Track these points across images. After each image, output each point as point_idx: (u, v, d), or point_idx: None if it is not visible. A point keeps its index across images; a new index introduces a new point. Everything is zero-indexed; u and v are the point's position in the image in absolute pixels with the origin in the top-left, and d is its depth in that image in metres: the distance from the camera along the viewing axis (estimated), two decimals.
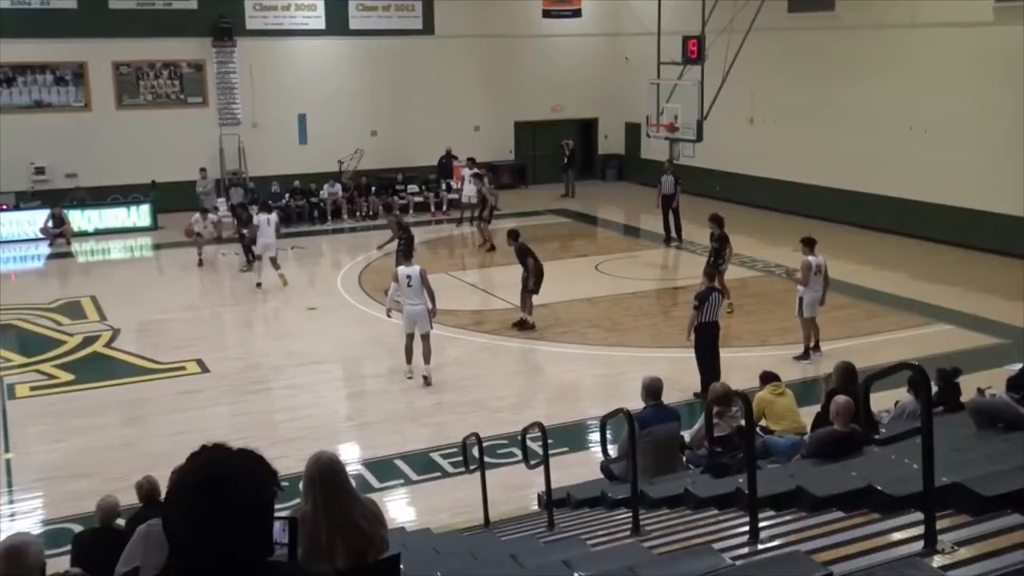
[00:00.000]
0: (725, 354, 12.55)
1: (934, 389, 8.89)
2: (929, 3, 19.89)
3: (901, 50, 20.62)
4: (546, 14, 27.63)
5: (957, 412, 8.07)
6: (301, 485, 3.96)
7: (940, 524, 3.78)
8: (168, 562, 2.00)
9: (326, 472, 3.89)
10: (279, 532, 2.77)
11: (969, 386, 9.27)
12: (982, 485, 4.22)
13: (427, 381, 12.82)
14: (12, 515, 9.50)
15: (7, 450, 10.91)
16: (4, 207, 22.61)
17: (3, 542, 4.27)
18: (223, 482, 1.94)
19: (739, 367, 12.86)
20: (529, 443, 8.56)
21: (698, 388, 11.86)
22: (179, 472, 2.02)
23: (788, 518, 5.16)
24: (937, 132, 19.98)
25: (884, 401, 9.40)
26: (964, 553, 3.59)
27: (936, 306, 15.80)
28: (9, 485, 10.09)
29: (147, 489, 6.67)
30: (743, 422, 8.72)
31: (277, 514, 2.80)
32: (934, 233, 20.30)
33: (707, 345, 12.07)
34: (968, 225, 19.52)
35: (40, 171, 23.71)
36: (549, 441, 7.77)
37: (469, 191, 23.31)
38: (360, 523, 3.81)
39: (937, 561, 3.52)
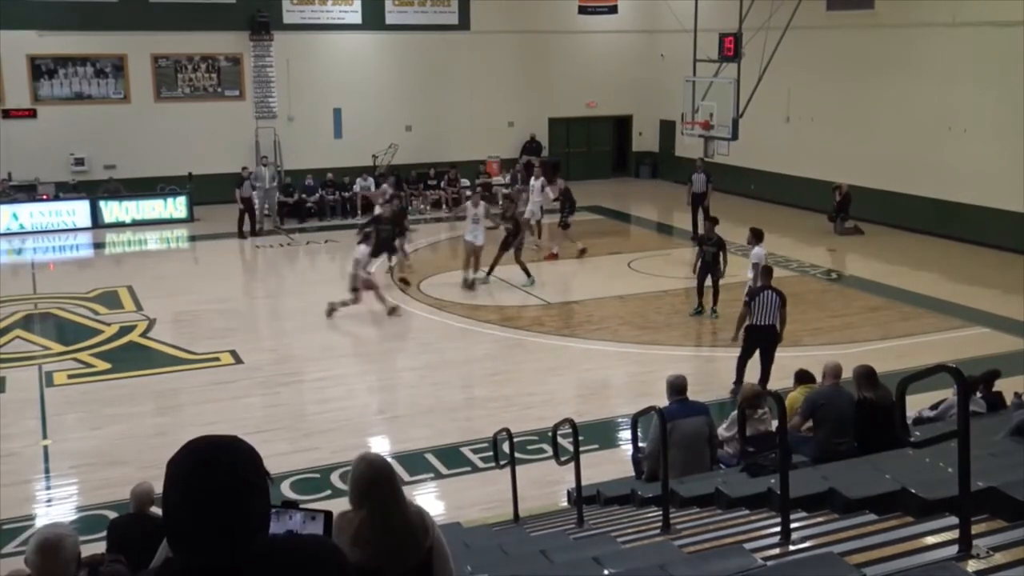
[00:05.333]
0: (757, 355, 12.41)
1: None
2: (970, 2, 19.62)
3: (941, 49, 20.38)
4: (582, 10, 27.52)
5: (996, 415, 8.00)
6: (349, 488, 3.87)
7: (975, 529, 3.75)
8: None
9: (381, 476, 3.82)
10: (307, 524, 2.79)
11: (1007, 391, 9.20)
12: (1019, 490, 4.18)
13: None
14: (49, 501, 9.66)
15: (45, 437, 11.08)
16: (44, 197, 22.93)
17: (37, 535, 4.28)
18: (203, 465, 2.02)
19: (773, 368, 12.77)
20: (560, 439, 8.56)
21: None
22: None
23: (820, 519, 5.13)
24: (976, 132, 19.73)
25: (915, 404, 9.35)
26: (999, 558, 3.55)
27: (973, 309, 15.61)
28: (47, 471, 10.26)
29: (138, 494, 6.61)
30: (769, 424, 8.71)
31: (310, 506, 2.83)
32: (971, 235, 20.05)
33: (748, 347, 11.82)
34: (1006, 227, 19.26)
35: (80, 162, 24.02)
36: (580, 438, 7.76)
37: (537, 202, 21.43)
38: (412, 529, 3.77)
39: (972, 566, 3.49)
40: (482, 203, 17.90)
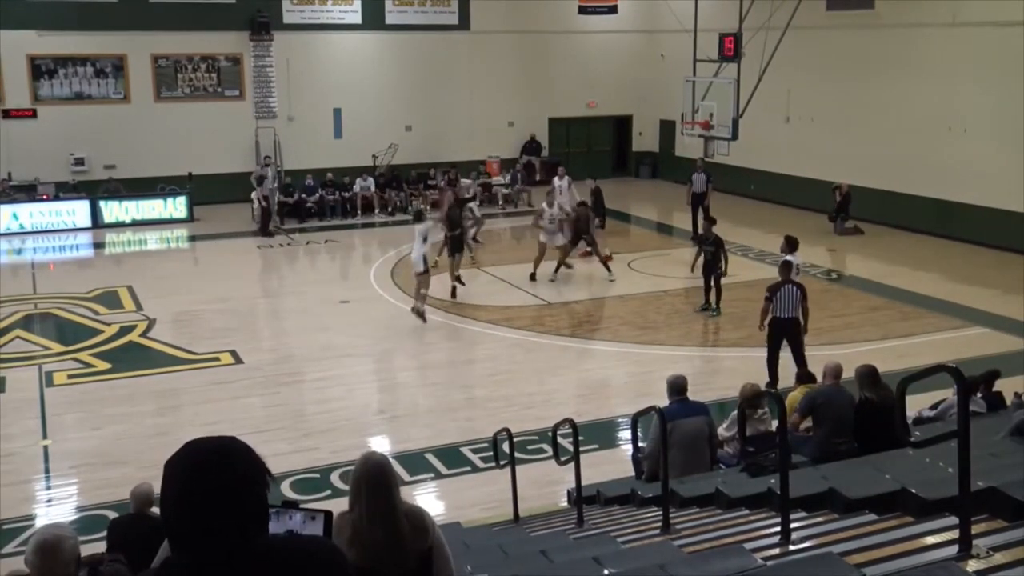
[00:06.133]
0: (758, 354, 12.43)
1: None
2: (970, 2, 19.62)
3: (941, 49, 20.38)
4: (582, 10, 27.53)
5: (996, 415, 8.00)
6: (350, 486, 3.90)
7: (975, 528, 3.75)
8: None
9: (374, 476, 3.83)
10: (307, 524, 2.79)
11: (1007, 391, 9.20)
12: (1019, 490, 4.18)
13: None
14: (49, 501, 9.66)
15: (45, 437, 11.09)
16: (44, 197, 22.92)
17: (37, 535, 4.27)
18: (198, 467, 2.04)
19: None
20: (560, 440, 8.56)
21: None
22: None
23: (820, 519, 5.13)
24: (976, 132, 19.73)
25: (915, 404, 9.35)
26: (999, 558, 3.55)
27: (973, 309, 15.61)
28: (47, 471, 10.26)
29: (137, 494, 6.60)
30: (769, 424, 8.71)
31: (310, 506, 2.83)
32: (971, 235, 20.05)
33: (773, 342, 11.96)
34: (1007, 227, 19.26)
35: (80, 162, 24.02)
36: (580, 438, 7.76)
37: (564, 201, 19.76)
38: (404, 530, 3.77)
39: (972, 566, 3.49)
40: (556, 202, 18.09)
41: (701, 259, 15.87)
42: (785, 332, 11.90)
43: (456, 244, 16.66)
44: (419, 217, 15.49)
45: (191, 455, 2.06)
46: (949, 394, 9.08)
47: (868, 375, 8.18)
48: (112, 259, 21.27)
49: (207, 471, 2.02)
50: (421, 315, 14.97)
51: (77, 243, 22.15)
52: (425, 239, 14.85)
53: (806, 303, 11.93)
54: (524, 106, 28.47)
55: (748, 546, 4.45)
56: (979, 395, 8.92)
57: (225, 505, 2.01)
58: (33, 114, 23.80)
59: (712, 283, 15.53)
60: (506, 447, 8.64)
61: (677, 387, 8.57)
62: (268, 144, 25.32)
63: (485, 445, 10.24)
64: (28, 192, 23.05)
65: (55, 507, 9.49)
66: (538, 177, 27.59)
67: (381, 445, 10.74)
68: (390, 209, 24.97)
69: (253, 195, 23.75)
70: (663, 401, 8.28)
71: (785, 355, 11.97)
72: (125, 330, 14.99)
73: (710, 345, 14.57)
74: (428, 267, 14.99)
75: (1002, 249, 19.23)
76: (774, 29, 19.11)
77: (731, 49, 19.56)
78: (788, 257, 12.80)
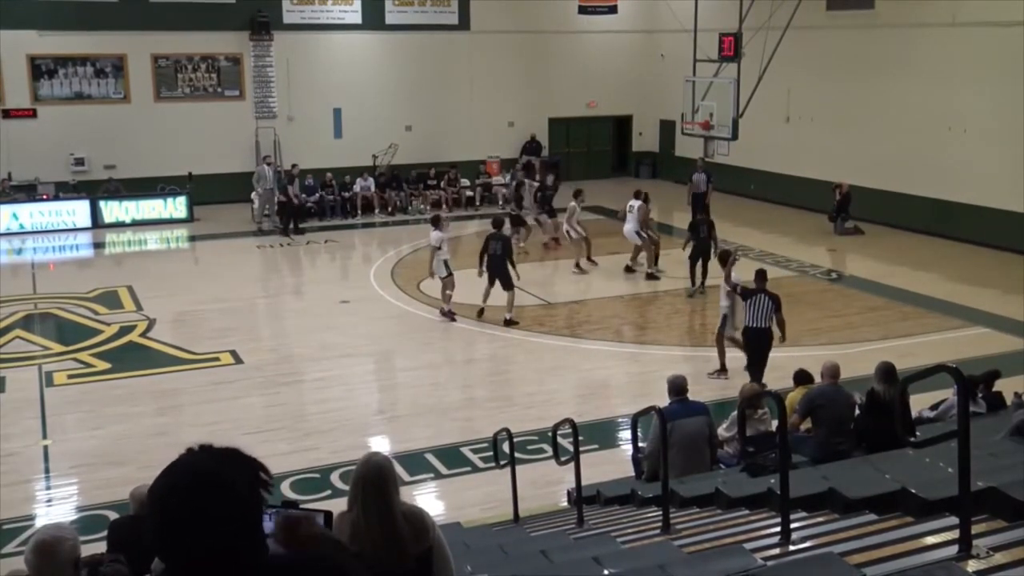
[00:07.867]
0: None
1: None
2: (970, 2, 19.62)
3: (941, 49, 20.37)
4: (582, 10, 27.52)
5: (996, 415, 8.00)
6: (350, 487, 3.92)
7: (975, 529, 3.75)
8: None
9: (373, 477, 3.85)
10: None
11: (1007, 391, 9.20)
12: (1019, 490, 4.18)
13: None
14: (49, 501, 9.65)
15: (45, 437, 11.08)
16: (44, 197, 22.92)
17: (37, 534, 4.26)
18: (183, 490, 1.93)
19: (770, 367, 12.77)
20: (560, 440, 8.56)
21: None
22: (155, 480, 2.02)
23: (820, 520, 5.13)
24: (976, 132, 19.73)
25: (915, 404, 9.35)
26: (999, 558, 3.56)
27: (973, 309, 15.61)
28: (47, 471, 10.26)
29: (137, 496, 6.59)
30: (769, 424, 8.72)
31: (310, 507, 2.83)
32: (971, 235, 20.05)
33: (748, 350, 11.86)
34: (1007, 227, 19.26)
35: (80, 162, 24.02)
36: (580, 438, 7.76)
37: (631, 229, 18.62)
38: (401, 531, 3.78)
39: (972, 566, 3.49)
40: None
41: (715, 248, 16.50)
42: (757, 342, 11.71)
43: (500, 277, 15.22)
44: (436, 223, 15.41)
45: (172, 484, 1.94)
46: (949, 394, 9.09)
47: (882, 370, 8.26)
48: (112, 259, 21.26)
49: (186, 501, 1.91)
50: (448, 315, 15.22)
51: (77, 243, 22.14)
52: (440, 247, 15.06)
53: (780, 314, 11.67)
54: (524, 106, 28.47)
55: (748, 546, 4.46)
56: (979, 395, 8.92)
57: (212, 532, 1.91)
58: (33, 114, 23.80)
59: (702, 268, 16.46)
60: (506, 447, 8.64)
61: (677, 387, 8.57)
62: (268, 144, 25.31)
63: (485, 445, 10.24)
64: (28, 192, 23.04)
65: (55, 507, 9.49)
66: (537, 177, 27.54)
67: (381, 445, 10.74)
68: (390, 209, 24.96)
69: (253, 195, 23.77)
70: (663, 401, 8.29)
71: (778, 356, 11.95)
72: (125, 330, 14.99)
73: (710, 345, 14.53)
74: (451, 271, 15.16)
75: (1002, 249, 19.23)
76: (774, 29, 19.11)
77: (731, 49, 19.56)
78: (763, 267, 12.70)
